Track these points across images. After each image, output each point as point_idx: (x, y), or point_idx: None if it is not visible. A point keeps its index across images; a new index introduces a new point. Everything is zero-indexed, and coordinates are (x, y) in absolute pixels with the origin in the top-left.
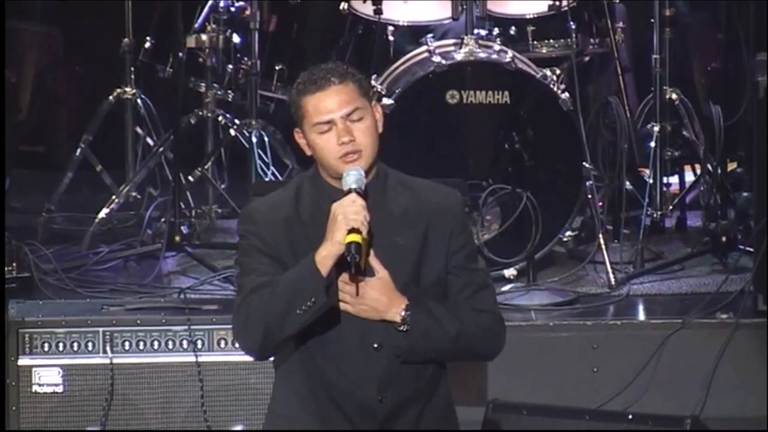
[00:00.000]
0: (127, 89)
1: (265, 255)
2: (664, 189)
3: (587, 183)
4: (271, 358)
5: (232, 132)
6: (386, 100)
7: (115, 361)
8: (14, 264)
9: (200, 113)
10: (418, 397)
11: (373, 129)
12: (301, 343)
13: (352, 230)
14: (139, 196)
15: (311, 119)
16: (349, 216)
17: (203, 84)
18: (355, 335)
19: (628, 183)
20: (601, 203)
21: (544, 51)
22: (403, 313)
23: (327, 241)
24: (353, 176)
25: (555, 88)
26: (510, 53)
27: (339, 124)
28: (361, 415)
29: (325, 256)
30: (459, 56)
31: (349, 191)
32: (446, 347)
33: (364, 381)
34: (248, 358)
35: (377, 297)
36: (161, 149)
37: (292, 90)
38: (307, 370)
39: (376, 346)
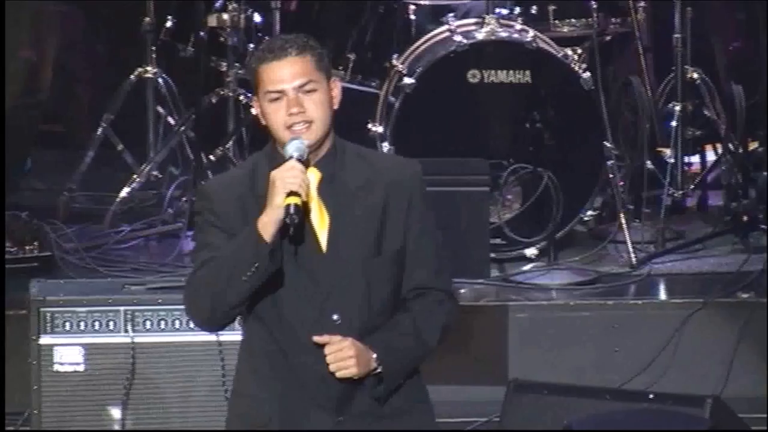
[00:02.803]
0: (149, 68)
1: (219, 230)
2: (685, 168)
3: (608, 162)
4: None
5: (253, 111)
6: (407, 80)
7: (136, 340)
8: (36, 243)
9: (221, 92)
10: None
11: (326, 103)
12: (261, 320)
13: (291, 193)
14: (160, 176)
15: (264, 87)
16: (286, 180)
17: (224, 63)
18: (315, 309)
19: (649, 162)
20: (622, 183)
21: (565, 30)
22: (376, 360)
23: (267, 207)
24: (294, 145)
25: (576, 68)
26: (531, 32)
27: (290, 94)
28: (319, 388)
29: (266, 222)
30: (480, 35)
31: (290, 158)
32: (421, 361)
33: (323, 354)
34: None
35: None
36: (182, 128)
37: (251, 57)
38: (266, 347)
39: (335, 318)
